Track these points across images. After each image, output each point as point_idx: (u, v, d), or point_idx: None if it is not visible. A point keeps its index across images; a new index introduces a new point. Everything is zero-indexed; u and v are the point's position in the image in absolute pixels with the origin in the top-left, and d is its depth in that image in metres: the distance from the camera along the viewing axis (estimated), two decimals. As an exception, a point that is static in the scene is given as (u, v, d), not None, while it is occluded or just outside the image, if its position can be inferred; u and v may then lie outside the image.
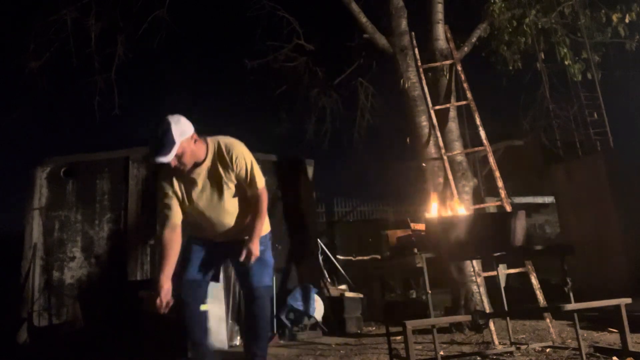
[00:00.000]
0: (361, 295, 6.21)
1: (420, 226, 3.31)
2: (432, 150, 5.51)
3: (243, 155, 2.84)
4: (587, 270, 6.05)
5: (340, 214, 12.34)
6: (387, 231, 3.54)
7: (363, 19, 6.06)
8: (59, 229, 6.62)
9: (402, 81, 5.69)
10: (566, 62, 6.92)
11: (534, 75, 8.15)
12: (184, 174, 2.79)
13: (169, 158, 2.63)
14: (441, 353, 3.30)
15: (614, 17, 6.79)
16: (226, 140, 2.84)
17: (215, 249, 2.92)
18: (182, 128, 2.65)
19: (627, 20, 6.72)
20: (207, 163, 2.80)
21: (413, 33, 5.79)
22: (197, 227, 2.92)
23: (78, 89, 7.07)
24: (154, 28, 6.95)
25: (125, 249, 6.64)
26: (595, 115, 8.07)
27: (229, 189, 2.84)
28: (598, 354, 3.17)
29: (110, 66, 6.94)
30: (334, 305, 6.08)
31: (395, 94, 6.03)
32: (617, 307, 2.92)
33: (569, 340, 3.91)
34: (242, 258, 2.73)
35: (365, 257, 7.14)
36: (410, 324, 2.81)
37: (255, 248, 2.78)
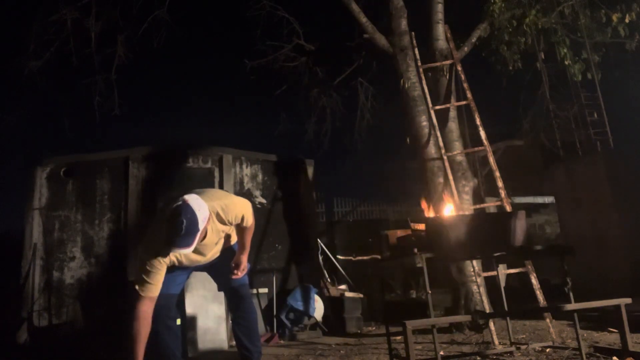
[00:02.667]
0: (361, 295, 6.21)
1: (420, 226, 3.31)
2: (432, 150, 5.51)
3: (237, 213, 2.81)
4: (587, 270, 6.06)
5: (340, 214, 12.34)
6: (387, 231, 3.54)
7: (363, 19, 6.06)
8: (59, 229, 6.62)
9: (402, 81, 5.69)
10: (566, 62, 6.92)
11: (534, 75, 8.16)
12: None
13: (192, 248, 2.51)
14: (441, 353, 3.30)
15: (614, 17, 6.79)
16: (221, 204, 2.75)
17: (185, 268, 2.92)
18: (204, 214, 2.54)
19: (627, 20, 6.72)
20: (210, 235, 2.76)
21: (413, 33, 5.79)
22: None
23: (78, 89, 7.06)
24: (154, 28, 6.95)
25: (125, 249, 6.64)
26: (595, 115, 8.08)
27: (224, 235, 2.91)
28: (598, 354, 3.17)
29: (110, 66, 6.94)
30: (334, 305, 6.09)
31: (395, 94, 6.03)
32: (617, 307, 2.92)
33: (569, 340, 3.91)
34: (237, 273, 2.90)
35: (365, 257, 7.15)
36: (410, 324, 2.81)
37: (246, 263, 2.96)
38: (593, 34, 7.17)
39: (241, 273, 2.93)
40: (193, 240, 2.47)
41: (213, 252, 2.90)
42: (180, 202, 2.53)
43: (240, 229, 2.95)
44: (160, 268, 2.62)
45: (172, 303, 2.86)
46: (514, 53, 6.90)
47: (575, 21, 7.07)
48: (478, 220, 3.41)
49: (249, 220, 2.90)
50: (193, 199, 2.56)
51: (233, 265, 2.95)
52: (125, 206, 6.81)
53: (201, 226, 2.50)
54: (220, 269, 3.02)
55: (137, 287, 2.59)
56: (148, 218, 6.91)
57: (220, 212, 2.74)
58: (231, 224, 2.83)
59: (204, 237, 2.68)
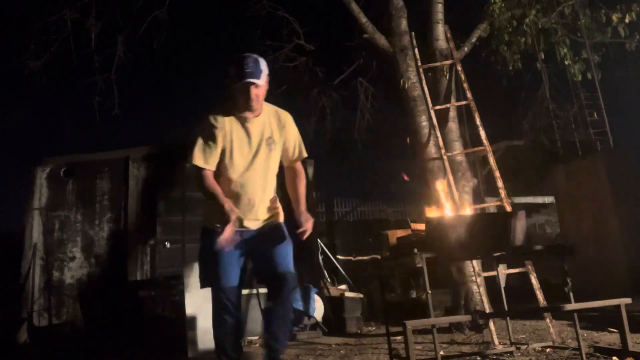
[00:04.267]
0: (361, 295, 6.21)
1: (420, 226, 3.31)
2: (432, 150, 5.51)
3: (294, 124, 2.82)
4: (587, 270, 6.06)
5: (340, 214, 12.35)
6: (387, 231, 3.54)
7: (363, 19, 6.06)
8: (59, 229, 6.63)
9: (402, 81, 5.69)
10: (566, 62, 6.92)
11: (534, 75, 8.16)
12: (242, 119, 2.64)
13: (262, 82, 2.57)
14: (441, 353, 3.30)
15: (614, 17, 6.79)
16: (281, 110, 2.82)
17: (240, 246, 2.67)
18: (265, 64, 2.64)
19: (627, 20, 6.72)
20: (264, 116, 2.70)
21: (413, 33, 5.79)
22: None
23: (78, 89, 7.06)
24: (154, 28, 6.95)
25: (125, 249, 6.65)
26: (595, 115, 8.08)
27: (273, 152, 2.72)
28: (598, 354, 3.17)
29: (110, 66, 6.94)
30: (334, 305, 6.08)
31: (395, 94, 6.03)
32: (617, 307, 2.92)
33: (569, 340, 3.91)
34: (302, 229, 2.59)
35: (365, 257, 7.15)
36: (410, 324, 2.81)
37: (308, 215, 2.67)
38: (593, 34, 7.17)
39: (308, 228, 2.61)
40: (261, 72, 2.56)
41: (260, 169, 2.68)
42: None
43: (292, 173, 2.84)
44: (210, 138, 2.59)
45: (232, 297, 2.72)
46: (514, 53, 6.90)
47: (575, 21, 7.07)
48: (478, 220, 3.41)
49: (303, 151, 2.85)
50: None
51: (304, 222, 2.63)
52: (125, 206, 6.81)
53: (264, 69, 2.60)
54: (267, 251, 2.70)
55: (193, 160, 2.60)
56: (148, 218, 6.92)
57: (278, 109, 2.79)
58: (284, 136, 2.74)
59: (258, 115, 2.66)
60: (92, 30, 6.71)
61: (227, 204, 2.50)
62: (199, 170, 2.62)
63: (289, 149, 2.81)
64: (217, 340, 2.74)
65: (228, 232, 2.44)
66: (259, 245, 2.71)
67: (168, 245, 6.86)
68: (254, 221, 2.74)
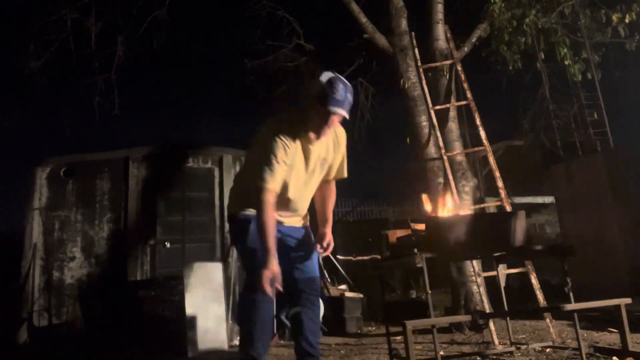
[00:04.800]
0: (361, 295, 6.21)
1: (420, 226, 3.31)
2: (432, 150, 5.51)
3: (345, 144, 2.73)
4: (587, 270, 6.05)
5: (340, 214, 12.34)
6: (387, 231, 3.53)
7: (363, 19, 6.06)
8: (59, 229, 6.63)
9: (402, 81, 5.69)
10: (566, 62, 6.92)
11: (534, 75, 8.16)
12: (308, 140, 2.52)
13: (347, 114, 2.40)
14: (441, 353, 3.30)
15: (614, 17, 6.79)
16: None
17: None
18: (352, 93, 2.48)
19: (627, 20, 6.72)
20: (327, 138, 2.60)
21: (413, 33, 5.79)
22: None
23: (78, 89, 7.06)
24: (154, 28, 6.95)
25: (125, 249, 6.65)
26: (595, 115, 8.08)
27: (322, 172, 2.68)
28: (598, 354, 3.17)
29: (110, 66, 6.94)
30: (334, 305, 6.08)
31: (395, 94, 6.03)
32: (617, 307, 2.92)
33: (569, 340, 3.91)
34: (323, 248, 2.66)
35: (365, 257, 7.14)
36: (410, 324, 2.81)
37: (330, 236, 2.71)
38: (593, 34, 7.17)
39: (328, 248, 2.68)
40: (350, 104, 2.38)
41: (309, 186, 2.64)
42: (333, 74, 2.41)
43: (327, 189, 2.78)
44: (285, 159, 2.41)
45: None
46: (514, 53, 6.90)
47: (575, 21, 7.07)
48: (478, 220, 3.41)
49: (345, 171, 2.77)
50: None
51: (316, 242, 2.69)
52: (125, 206, 6.82)
53: (351, 102, 2.43)
54: (295, 258, 2.66)
55: (261, 182, 2.35)
56: (148, 218, 6.92)
57: (338, 131, 2.65)
58: (336, 156, 2.66)
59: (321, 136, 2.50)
60: (92, 30, 6.71)
61: (274, 259, 2.31)
62: (266, 192, 2.38)
63: (335, 167, 2.75)
64: (251, 335, 2.53)
65: (272, 280, 2.29)
66: (290, 247, 2.67)
67: (168, 245, 6.86)
68: (290, 220, 2.71)
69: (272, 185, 2.39)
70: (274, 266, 2.29)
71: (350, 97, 2.40)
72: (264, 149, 2.43)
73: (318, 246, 2.71)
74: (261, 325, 2.52)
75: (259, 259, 2.35)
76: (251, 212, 2.53)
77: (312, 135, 2.48)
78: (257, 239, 2.42)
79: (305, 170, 2.57)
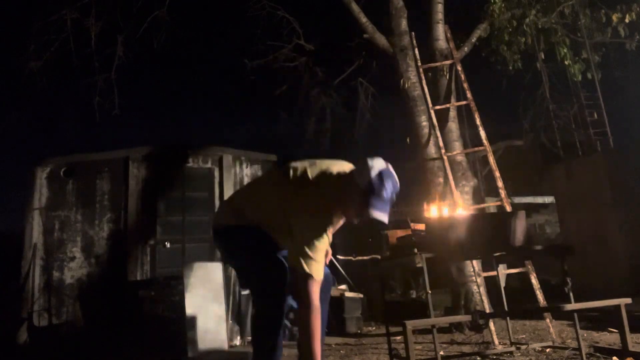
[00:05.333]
0: (361, 295, 6.21)
1: (420, 226, 3.31)
2: (432, 150, 5.51)
3: None
4: (587, 270, 6.05)
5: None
6: (387, 231, 3.53)
7: (363, 19, 6.06)
8: (59, 229, 6.63)
9: (402, 81, 5.69)
10: (566, 62, 6.92)
11: (534, 75, 8.16)
12: (335, 219, 2.34)
13: (386, 221, 2.14)
14: (441, 353, 3.30)
15: (614, 17, 6.79)
16: None
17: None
18: None
19: (627, 20, 6.73)
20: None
21: (413, 33, 5.79)
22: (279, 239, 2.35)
23: (78, 89, 7.06)
24: (154, 28, 6.95)
25: (125, 249, 6.65)
26: (595, 115, 8.08)
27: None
28: (598, 354, 3.17)
29: (110, 66, 6.94)
30: (334, 305, 6.09)
31: (395, 94, 6.03)
32: (617, 307, 2.92)
33: (569, 340, 3.91)
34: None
35: (365, 257, 7.14)
36: (410, 324, 2.81)
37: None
38: (593, 34, 7.18)
39: (327, 259, 2.51)
40: (392, 204, 2.15)
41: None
42: (384, 166, 2.16)
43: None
44: (326, 243, 2.20)
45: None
46: (514, 53, 6.91)
47: (575, 21, 7.08)
48: (478, 220, 3.41)
49: None
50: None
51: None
52: (125, 206, 6.82)
53: None
54: None
55: (306, 268, 2.07)
56: (148, 218, 6.92)
57: None
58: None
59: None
60: (92, 30, 6.71)
61: None
62: (315, 284, 2.11)
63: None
64: (271, 342, 2.28)
65: None
66: None
67: (168, 245, 6.87)
68: None
69: (319, 275, 2.14)
70: None
71: (394, 197, 2.17)
72: (310, 230, 2.15)
73: None
74: (279, 331, 2.29)
75: (270, 283, 2.20)
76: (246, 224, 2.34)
77: (342, 217, 2.34)
78: (266, 261, 2.25)
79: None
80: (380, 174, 2.13)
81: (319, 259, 2.13)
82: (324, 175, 2.25)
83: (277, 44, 7.61)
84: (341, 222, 2.41)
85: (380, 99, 8.60)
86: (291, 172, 2.27)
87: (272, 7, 7.30)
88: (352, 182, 2.17)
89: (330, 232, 2.31)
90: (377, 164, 2.16)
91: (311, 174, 2.25)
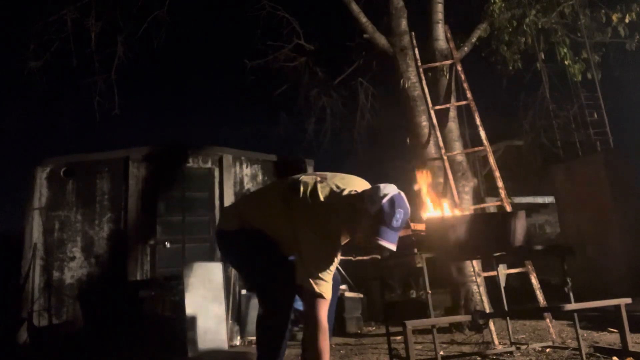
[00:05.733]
0: (361, 295, 6.21)
1: (420, 226, 3.31)
2: (432, 150, 5.51)
3: None
4: (587, 270, 6.06)
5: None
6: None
7: (363, 19, 6.06)
8: (59, 229, 6.63)
9: (402, 81, 5.69)
10: (566, 62, 6.92)
11: (534, 75, 8.16)
12: (341, 239, 2.32)
13: (394, 249, 2.12)
14: (441, 353, 3.30)
15: (614, 17, 6.79)
16: None
17: None
18: None
19: (627, 20, 6.73)
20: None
21: (413, 33, 5.79)
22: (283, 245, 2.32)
23: (78, 89, 7.07)
24: (154, 28, 6.95)
25: (125, 249, 6.65)
26: (595, 115, 8.08)
27: None
28: (598, 354, 3.17)
29: (110, 66, 6.94)
30: (334, 305, 6.08)
31: (395, 94, 6.03)
32: (617, 307, 2.91)
33: (569, 340, 3.91)
34: None
35: (365, 257, 7.14)
36: (410, 324, 2.81)
37: None
38: (593, 34, 7.18)
39: None
40: (402, 228, 2.12)
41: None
42: (396, 192, 2.12)
43: None
44: (334, 264, 2.18)
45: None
46: (514, 53, 6.91)
47: (575, 21, 7.08)
48: (478, 220, 3.40)
49: None
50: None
51: None
52: (125, 206, 6.82)
53: None
54: None
55: (316, 288, 2.08)
56: (148, 218, 6.92)
57: None
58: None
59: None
60: (92, 30, 6.71)
61: None
62: (323, 304, 2.12)
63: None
64: (274, 346, 2.30)
65: None
66: None
67: (168, 245, 6.86)
68: None
69: (328, 295, 2.15)
70: None
71: (404, 222, 2.14)
72: (320, 252, 2.15)
73: None
74: (284, 335, 2.30)
75: (276, 289, 2.20)
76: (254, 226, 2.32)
77: (345, 236, 2.30)
78: (273, 266, 2.24)
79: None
80: (392, 201, 2.08)
81: (328, 279, 2.12)
82: (335, 195, 2.21)
83: (277, 44, 7.61)
84: (347, 240, 2.37)
85: (380, 99, 8.60)
86: (301, 188, 2.21)
87: (272, 7, 7.30)
88: (363, 207, 2.11)
89: (339, 253, 2.28)
90: (389, 190, 2.12)
91: (322, 193, 2.20)
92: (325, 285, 2.11)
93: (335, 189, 2.24)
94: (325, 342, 2.08)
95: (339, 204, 2.19)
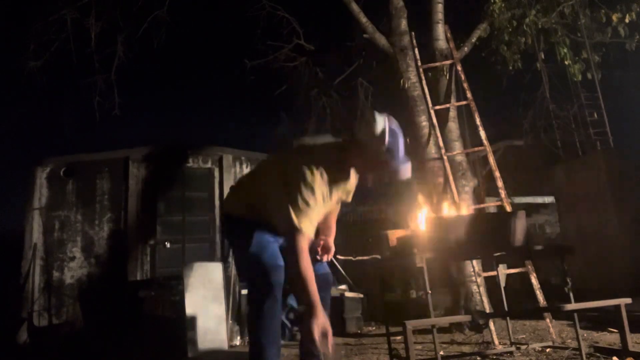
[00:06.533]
0: (361, 295, 6.21)
1: (420, 226, 3.31)
2: (432, 150, 5.51)
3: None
4: (587, 270, 6.06)
5: (340, 214, 12.31)
6: (387, 231, 3.53)
7: (363, 19, 6.06)
8: (59, 229, 6.63)
9: (402, 81, 5.69)
10: (566, 62, 6.92)
11: (534, 75, 8.17)
12: (338, 182, 2.36)
13: (403, 172, 2.21)
14: (441, 353, 3.30)
15: (614, 17, 6.79)
16: None
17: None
18: None
19: (627, 20, 6.72)
20: (352, 180, 2.46)
21: (413, 33, 5.79)
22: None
23: (78, 89, 7.07)
24: (154, 28, 6.95)
25: (125, 249, 6.65)
26: (595, 115, 8.09)
27: (337, 206, 2.62)
28: (598, 354, 3.17)
29: (110, 66, 6.94)
30: (334, 305, 6.08)
31: (395, 94, 6.03)
32: (617, 307, 2.92)
33: (569, 340, 3.91)
34: (325, 255, 2.57)
35: (365, 257, 7.14)
36: (410, 324, 2.81)
37: (332, 245, 2.65)
38: (593, 34, 7.17)
39: (328, 256, 2.56)
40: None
41: (327, 212, 2.50)
42: (388, 121, 2.19)
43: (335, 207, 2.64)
44: (319, 202, 2.20)
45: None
46: (514, 53, 6.90)
47: (575, 21, 7.07)
48: (478, 220, 3.41)
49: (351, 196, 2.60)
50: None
51: (319, 248, 2.57)
52: (125, 206, 6.82)
53: None
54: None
55: (295, 221, 2.11)
56: (148, 218, 6.92)
57: (354, 174, 2.46)
58: (349, 192, 2.51)
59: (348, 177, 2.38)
60: (92, 30, 6.71)
61: (322, 310, 2.10)
62: (302, 238, 2.15)
63: (343, 201, 2.64)
64: (265, 345, 2.27)
65: (331, 343, 2.08)
66: None
67: (168, 245, 6.87)
68: None
69: (308, 231, 2.18)
70: (323, 317, 2.07)
71: (404, 144, 2.25)
72: (299, 188, 2.18)
73: (322, 252, 2.59)
74: (273, 336, 2.30)
75: (261, 267, 2.23)
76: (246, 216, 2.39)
77: (344, 177, 2.37)
78: (260, 247, 2.28)
79: (323, 207, 2.36)
80: (392, 130, 2.17)
81: (312, 216, 2.16)
82: (326, 143, 2.38)
83: (277, 44, 7.61)
84: (339, 187, 2.41)
85: (380, 99, 8.60)
86: (294, 144, 2.39)
87: (272, 7, 7.30)
88: (360, 141, 2.21)
89: (335, 198, 2.37)
90: (382, 122, 2.19)
91: (312, 142, 2.39)
92: (307, 221, 2.14)
93: (326, 140, 2.44)
94: (308, 268, 2.10)
95: (330, 147, 2.35)
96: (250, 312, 2.36)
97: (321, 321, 2.04)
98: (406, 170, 2.20)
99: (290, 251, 2.16)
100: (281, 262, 2.30)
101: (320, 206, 2.25)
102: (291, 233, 2.14)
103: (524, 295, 4.95)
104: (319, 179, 2.21)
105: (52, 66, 6.89)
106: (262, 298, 2.25)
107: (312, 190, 2.18)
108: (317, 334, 2.03)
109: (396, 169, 2.20)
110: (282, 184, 2.24)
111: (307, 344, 2.43)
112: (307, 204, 2.15)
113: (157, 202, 7.04)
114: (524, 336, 4.40)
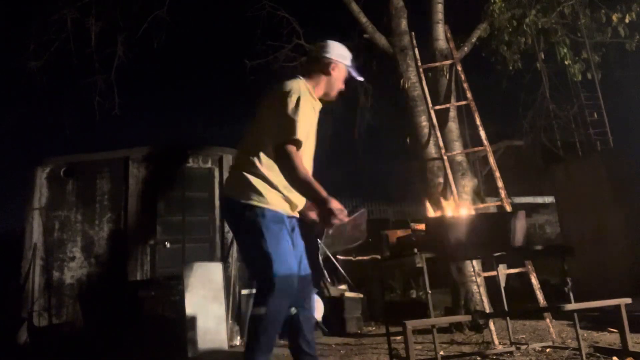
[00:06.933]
0: (361, 295, 6.21)
1: (420, 226, 3.31)
2: (432, 150, 5.51)
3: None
4: (587, 270, 6.05)
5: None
6: (387, 231, 3.54)
7: (363, 19, 6.06)
8: (59, 229, 6.62)
9: (402, 81, 5.69)
10: (566, 62, 6.92)
11: (534, 75, 8.16)
12: (320, 102, 2.64)
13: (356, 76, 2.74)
14: (441, 353, 3.30)
15: (614, 17, 6.79)
16: None
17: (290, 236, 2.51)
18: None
19: (627, 20, 6.72)
20: (319, 104, 2.65)
21: (413, 33, 5.80)
22: (285, 189, 2.41)
23: (78, 89, 7.07)
24: (154, 28, 6.95)
25: (125, 249, 6.64)
26: (595, 115, 8.09)
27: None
28: (598, 354, 3.17)
29: (110, 66, 6.94)
30: (334, 305, 6.09)
31: (395, 94, 6.03)
32: (617, 307, 2.92)
33: (569, 340, 3.91)
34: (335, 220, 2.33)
35: (365, 257, 7.14)
36: (410, 324, 2.81)
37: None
38: (593, 34, 7.17)
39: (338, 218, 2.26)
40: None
41: (310, 156, 2.59)
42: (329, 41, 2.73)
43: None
44: (310, 114, 2.42)
45: (294, 287, 2.33)
46: (514, 53, 6.91)
47: (575, 21, 7.07)
48: (478, 220, 3.41)
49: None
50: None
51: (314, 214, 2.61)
52: (125, 206, 6.81)
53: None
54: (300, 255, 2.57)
55: (290, 127, 2.26)
56: (148, 218, 6.91)
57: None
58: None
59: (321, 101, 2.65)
60: (92, 30, 6.71)
61: (326, 193, 2.21)
62: (293, 144, 2.27)
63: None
64: (267, 339, 2.28)
65: (339, 212, 2.16)
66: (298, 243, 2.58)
67: (168, 245, 6.86)
68: (299, 201, 2.58)
69: (300, 136, 2.28)
70: (334, 200, 2.19)
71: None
72: (291, 97, 2.37)
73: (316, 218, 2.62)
74: (277, 329, 2.33)
75: (274, 264, 2.24)
76: (266, 203, 2.35)
77: (330, 95, 2.66)
78: (275, 240, 2.29)
79: (313, 135, 2.54)
80: (336, 42, 2.71)
81: (306, 127, 2.35)
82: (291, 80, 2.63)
83: (277, 44, 7.61)
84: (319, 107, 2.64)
85: (380, 99, 8.60)
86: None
87: (272, 7, 7.30)
88: (325, 58, 2.66)
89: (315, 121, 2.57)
90: (326, 41, 2.73)
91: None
92: (301, 132, 2.29)
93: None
94: (306, 173, 2.28)
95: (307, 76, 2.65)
96: (252, 315, 2.33)
97: (335, 202, 2.19)
98: (359, 73, 2.67)
99: (286, 165, 2.27)
100: (295, 265, 2.35)
101: (312, 117, 2.46)
102: (286, 143, 2.27)
103: (524, 295, 4.95)
104: (305, 89, 2.50)
105: (52, 66, 6.90)
106: (268, 304, 2.26)
107: (304, 98, 2.40)
108: (337, 210, 2.17)
109: (349, 70, 2.64)
110: (275, 108, 2.41)
111: (301, 342, 2.46)
112: (300, 110, 2.32)
113: (157, 202, 7.03)
114: (524, 336, 4.40)
